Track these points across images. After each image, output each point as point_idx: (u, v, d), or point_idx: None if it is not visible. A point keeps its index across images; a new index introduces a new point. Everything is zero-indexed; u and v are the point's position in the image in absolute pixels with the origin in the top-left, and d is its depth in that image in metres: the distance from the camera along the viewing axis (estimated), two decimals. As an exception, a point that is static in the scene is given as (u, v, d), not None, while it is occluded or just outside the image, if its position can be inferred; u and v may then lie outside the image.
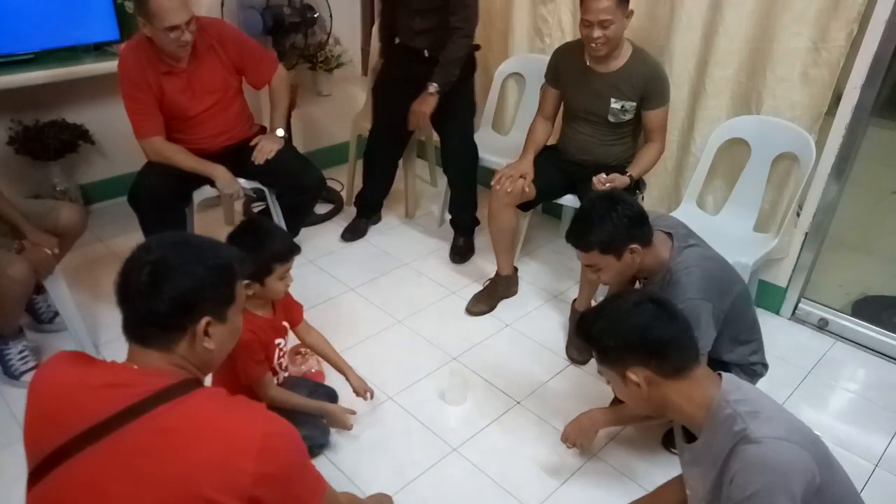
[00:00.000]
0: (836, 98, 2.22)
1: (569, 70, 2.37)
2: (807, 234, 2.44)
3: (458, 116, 2.65)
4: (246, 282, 1.55)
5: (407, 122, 2.58)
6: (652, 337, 1.20)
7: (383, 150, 2.88)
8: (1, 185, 2.13)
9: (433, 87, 2.46)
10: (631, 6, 2.15)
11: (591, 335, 1.29)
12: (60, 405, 0.97)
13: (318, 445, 1.89)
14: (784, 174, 2.40)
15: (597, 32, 2.14)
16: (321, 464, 1.87)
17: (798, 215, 2.43)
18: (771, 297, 2.59)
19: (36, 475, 0.94)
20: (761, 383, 1.90)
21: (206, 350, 1.02)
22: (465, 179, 2.79)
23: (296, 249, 1.71)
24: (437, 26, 2.45)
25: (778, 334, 2.47)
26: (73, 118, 2.90)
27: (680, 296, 1.58)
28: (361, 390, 1.96)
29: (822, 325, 2.53)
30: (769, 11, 2.22)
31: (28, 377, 2.11)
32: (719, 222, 2.49)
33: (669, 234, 1.70)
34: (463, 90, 2.60)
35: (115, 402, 0.92)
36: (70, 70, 2.70)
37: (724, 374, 1.23)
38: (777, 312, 2.61)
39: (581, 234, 1.67)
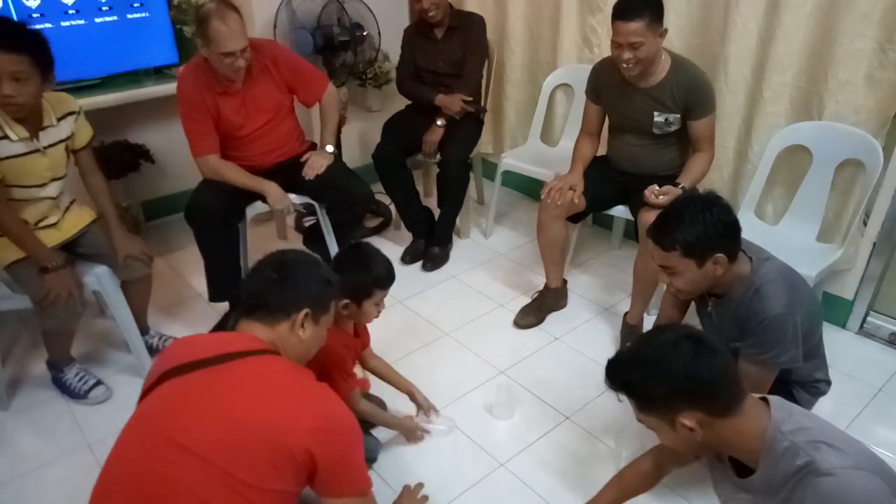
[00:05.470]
0: (905, 101, 2.11)
1: (609, 85, 2.33)
2: (875, 243, 2.31)
3: (456, 143, 2.85)
4: (346, 301, 1.68)
5: (408, 148, 2.92)
6: (700, 377, 1.13)
7: (393, 174, 2.95)
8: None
9: (440, 121, 2.83)
10: (679, 16, 2.09)
11: (631, 384, 1.19)
12: (183, 349, 1.28)
13: (369, 459, 1.91)
14: (849, 181, 2.29)
15: (627, 54, 2.10)
16: (369, 477, 1.88)
17: (865, 224, 2.31)
18: (837, 310, 2.46)
19: (152, 388, 1.23)
20: (827, 401, 1.81)
21: (300, 339, 1.31)
22: (453, 194, 2.91)
23: (394, 279, 1.76)
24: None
25: (845, 349, 2.34)
26: (135, 139, 3.03)
27: (768, 310, 1.51)
28: (427, 408, 2.01)
29: (893, 340, 2.40)
30: (830, 13, 2.13)
31: (95, 393, 2.14)
32: (780, 232, 2.40)
33: (742, 249, 1.62)
34: (465, 122, 2.87)
35: (219, 349, 1.23)
36: (133, 93, 2.83)
37: (771, 398, 1.18)
38: (843, 326, 2.48)
39: (666, 230, 1.53)
